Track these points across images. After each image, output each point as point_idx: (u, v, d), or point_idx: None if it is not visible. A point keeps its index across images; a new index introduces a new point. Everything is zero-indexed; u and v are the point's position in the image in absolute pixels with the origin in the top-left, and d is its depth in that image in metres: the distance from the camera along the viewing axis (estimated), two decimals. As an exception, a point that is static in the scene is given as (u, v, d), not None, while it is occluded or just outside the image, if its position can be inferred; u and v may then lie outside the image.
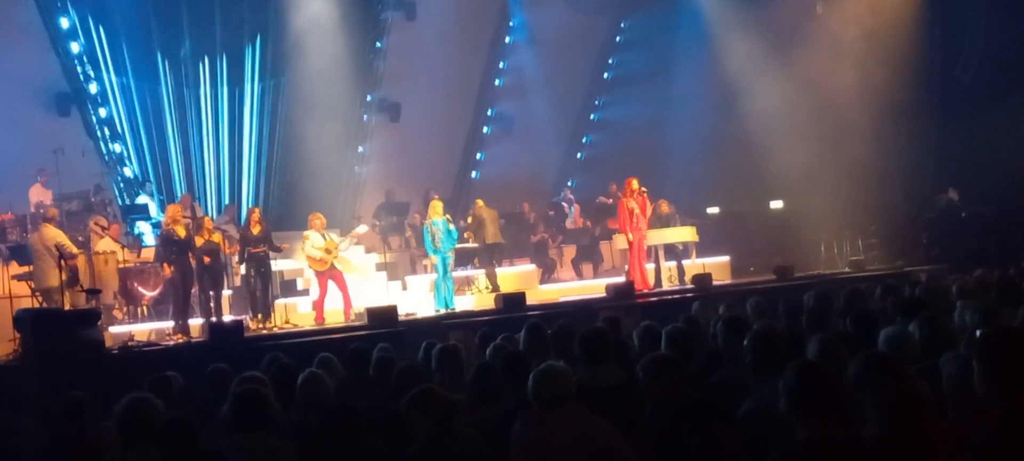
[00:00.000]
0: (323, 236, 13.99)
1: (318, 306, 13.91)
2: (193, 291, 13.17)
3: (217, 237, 13.22)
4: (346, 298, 13.84)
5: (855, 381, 4.08)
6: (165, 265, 12.92)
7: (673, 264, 17.35)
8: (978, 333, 5.58)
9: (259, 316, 13.35)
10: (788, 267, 16.37)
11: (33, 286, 12.42)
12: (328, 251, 13.86)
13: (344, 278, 14.04)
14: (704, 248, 17.74)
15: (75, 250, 12.45)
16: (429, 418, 4.96)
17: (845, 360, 4.91)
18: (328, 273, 13.88)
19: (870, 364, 4.08)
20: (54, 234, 12.18)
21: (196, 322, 13.15)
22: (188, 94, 18.54)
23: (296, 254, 15.97)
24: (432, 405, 4.99)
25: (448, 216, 14.82)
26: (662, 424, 4.70)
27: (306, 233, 14.05)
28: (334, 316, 13.85)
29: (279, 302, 14.29)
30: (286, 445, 5.09)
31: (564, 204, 21.05)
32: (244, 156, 19.25)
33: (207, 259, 12.90)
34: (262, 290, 13.58)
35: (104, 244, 13.88)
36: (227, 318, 13.14)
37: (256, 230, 13.59)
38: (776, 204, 20.93)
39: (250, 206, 16.86)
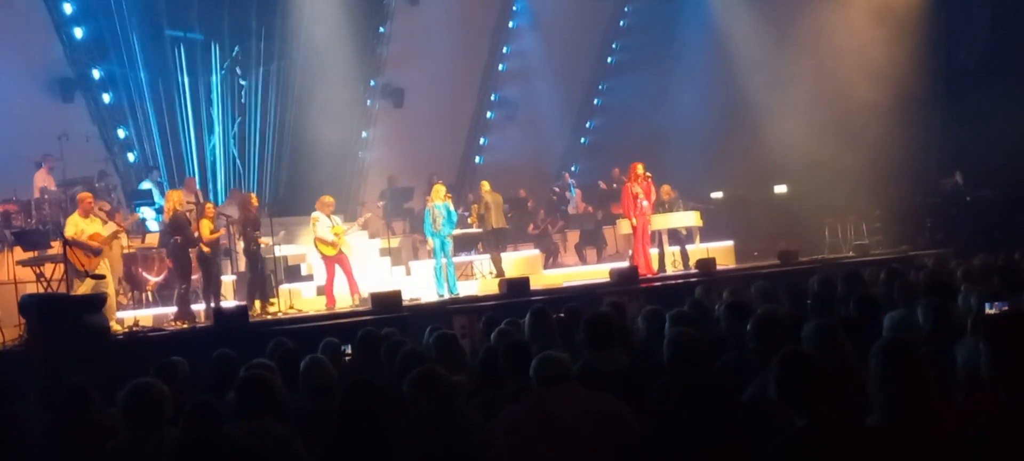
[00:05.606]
0: (330, 219, 13.98)
1: (328, 290, 13.89)
2: (195, 278, 13.16)
3: (208, 233, 12.93)
4: (351, 283, 13.84)
5: (871, 369, 4.06)
6: (177, 241, 12.71)
7: (677, 249, 17.34)
8: (985, 316, 5.59)
9: (258, 302, 13.33)
10: (792, 252, 16.36)
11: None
12: (336, 235, 13.85)
13: (350, 263, 14.05)
14: (708, 233, 17.72)
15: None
16: (431, 398, 4.96)
17: (843, 346, 4.88)
18: (335, 257, 13.88)
19: (881, 352, 4.05)
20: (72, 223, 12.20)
21: (198, 307, 13.15)
22: (192, 80, 18.51)
23: (300, 239, 15.96)
24: (435, 385, 4.99)
25: (450, 198, 14.80)
26: (667, 408, 4.70)
27: (314, 216, 14.01)
28: (339, 301, 13.85)
29: (283, 288, 14.29)
30: (292, 430, 5.09)
31: (562, 189, 21.00)
32: (248, 142, 19.22)
33: (199, 249, 12.82)
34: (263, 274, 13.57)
35: (108, 229, 13.85)
36: (231, 303, 13.14)
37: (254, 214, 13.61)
38: (780, 189, 20.89)
39: (248, 191, 16.74)
